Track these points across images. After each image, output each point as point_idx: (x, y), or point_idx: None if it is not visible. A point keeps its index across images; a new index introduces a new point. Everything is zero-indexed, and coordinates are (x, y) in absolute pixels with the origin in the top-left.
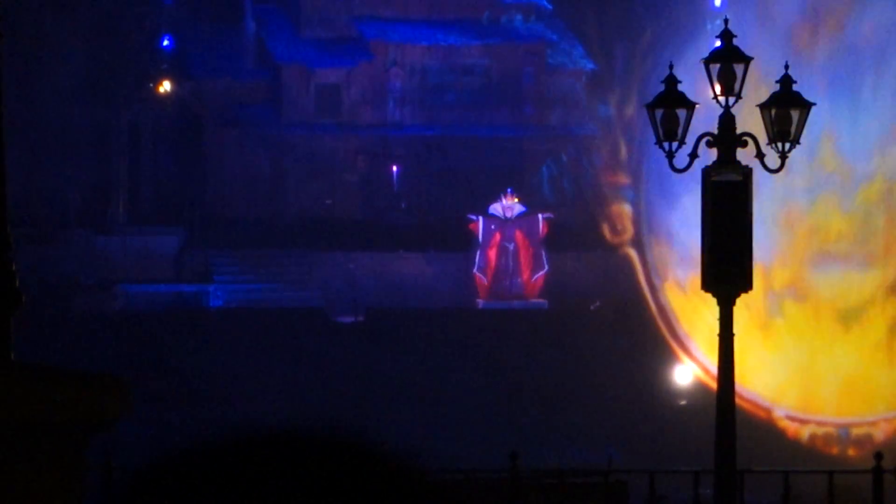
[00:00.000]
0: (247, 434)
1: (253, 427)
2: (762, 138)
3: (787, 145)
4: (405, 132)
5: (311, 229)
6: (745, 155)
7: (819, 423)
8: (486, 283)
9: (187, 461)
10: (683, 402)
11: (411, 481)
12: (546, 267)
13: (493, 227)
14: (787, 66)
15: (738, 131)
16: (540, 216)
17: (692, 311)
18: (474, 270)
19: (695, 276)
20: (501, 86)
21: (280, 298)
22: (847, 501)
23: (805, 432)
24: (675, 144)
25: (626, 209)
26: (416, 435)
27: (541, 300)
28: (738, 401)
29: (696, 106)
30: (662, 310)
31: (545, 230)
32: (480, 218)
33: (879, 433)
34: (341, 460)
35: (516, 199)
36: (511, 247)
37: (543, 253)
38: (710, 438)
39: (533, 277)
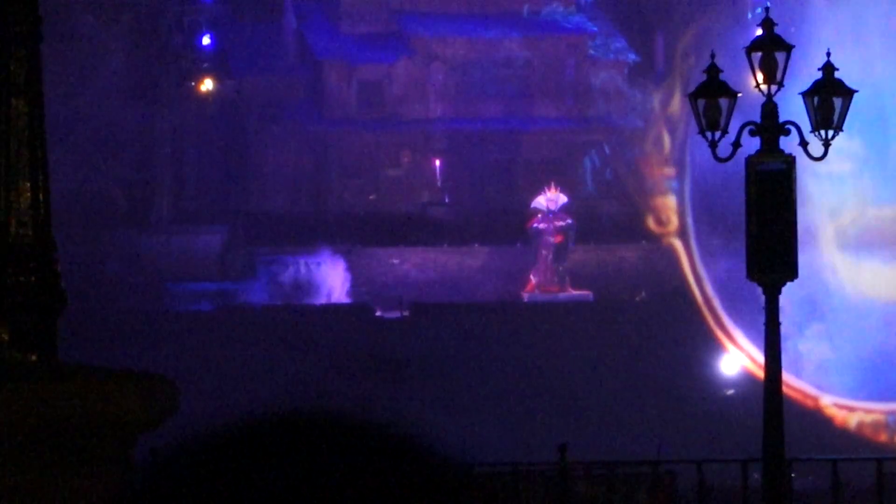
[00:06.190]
0: (263, 419)
1: (268, 411)
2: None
3: (831, 133)
4: (447, 126)
5: (354, 225)
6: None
7: (867, 411)
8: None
9: (197, 451)
10: (731, 392)
11: (455, 475)
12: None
13: (538, 220)
14: (828, 54)
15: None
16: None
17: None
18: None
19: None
20: (543, 78)
21: (324, 294)
22: None
23: (853, 420)
24: (717, 134)
25: (671, 200)
26: (464, 429)
27: (586, 292)
28: (785, 389)
29: (739, 95)
30: (708, 300)
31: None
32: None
33: None
34: (382, 453)
35: (558, 191)
36: (553, 239)
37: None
38: (758, 427)
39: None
